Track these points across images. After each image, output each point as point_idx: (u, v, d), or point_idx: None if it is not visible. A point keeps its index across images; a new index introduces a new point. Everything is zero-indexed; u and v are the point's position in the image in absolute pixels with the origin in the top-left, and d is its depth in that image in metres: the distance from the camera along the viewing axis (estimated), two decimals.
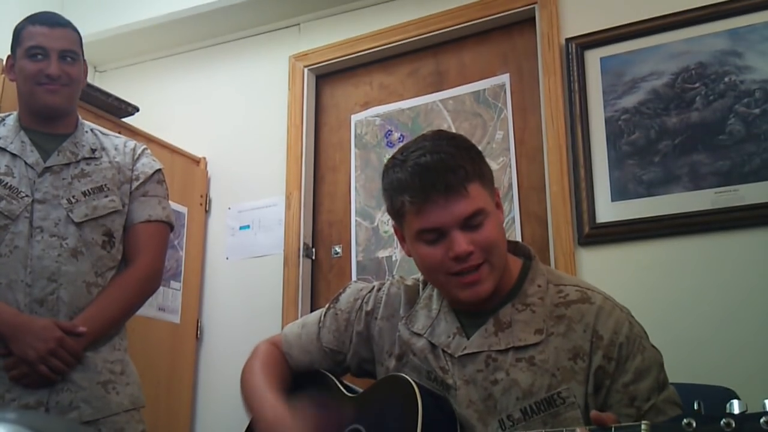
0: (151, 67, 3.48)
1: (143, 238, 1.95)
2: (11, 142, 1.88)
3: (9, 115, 1.96)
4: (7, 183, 1.82)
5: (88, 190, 1.89)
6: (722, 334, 2.12)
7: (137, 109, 2.89)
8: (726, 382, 1.51)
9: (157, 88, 3.39)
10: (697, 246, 2.23)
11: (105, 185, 1.91)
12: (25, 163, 1.86)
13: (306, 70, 3.10)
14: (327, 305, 1.50)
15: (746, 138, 2.22)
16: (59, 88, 1.88)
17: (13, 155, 1.86)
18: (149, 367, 2.73)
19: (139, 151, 2.03)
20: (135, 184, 1.97)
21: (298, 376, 1.49)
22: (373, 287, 1.47)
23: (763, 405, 0.89)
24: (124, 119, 2.86)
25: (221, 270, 3.07)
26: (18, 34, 1.92)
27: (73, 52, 1.91)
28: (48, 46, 1.87)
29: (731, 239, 2.18)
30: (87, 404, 1.76)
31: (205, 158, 3.20)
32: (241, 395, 1.44)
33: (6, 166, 1.84)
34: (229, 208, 3.12)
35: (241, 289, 3.00)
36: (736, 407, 0.91)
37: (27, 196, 1.83)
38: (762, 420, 0.88)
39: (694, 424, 0.92)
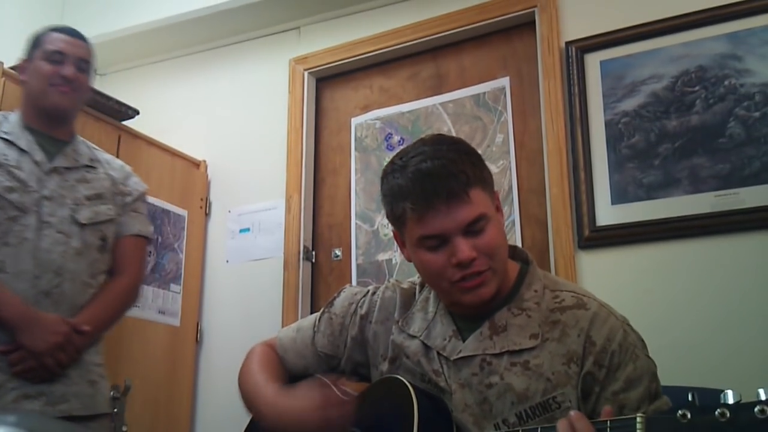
0: (151, 70, 3.48)
1: (133, 251, 2.10)
2: (18, 138, 1.96)
3: (10, 113, 2.04)
4: (17, 176, 1.90)
5: (90, 195, 2.00)
6: (721, 337, 2.12)
7: (137, 112, 2.90)
8: (725, 385, 1.48)
9: (158, 92, 3.40)
10: (696, 249, 2.22)
11: (103, 194, 2.04)
12: (32, 159, 1.94)
13: (306, 73, 3.11)
14: (322, 309, 1.50)
15: (746, 141, 2.22)
16: (69, 91, 1.99)
17: (21, 150, 1.95)
18: (149, 369, 2.74)
19: (128, 169, 2.19)
20: (128, 198, 2.12)
21: (293, 380, 1.48)
22: (368, 291, 1.47)
23: (757, 394, 0.89)
24: (124, 122, 2.86)
25: (221, 273, 3.07)
26: (39, 39, 2.04)
27: (87, 62, 2.07)
28: (67, 52, 2.01)
29: (731, 242, 2.18)
30: (77, 399, 1.85)
31: (205, 161, 3.21)
32: (240, 394, 1.43)
33: (16, 159, 1.92)
34: (230, 211, 3.13)
35: (241, 292, 3.00)
36: (730, 397, 0.91)
37: (35, 191, 1.91)
38: (756, 409, 0.87)
39: (689, 415, 0.92)
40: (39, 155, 1.95)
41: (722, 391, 0.93)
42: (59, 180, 1.96)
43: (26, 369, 1.77)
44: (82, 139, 2.12)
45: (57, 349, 1.79)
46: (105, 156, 2.16)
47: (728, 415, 0.89)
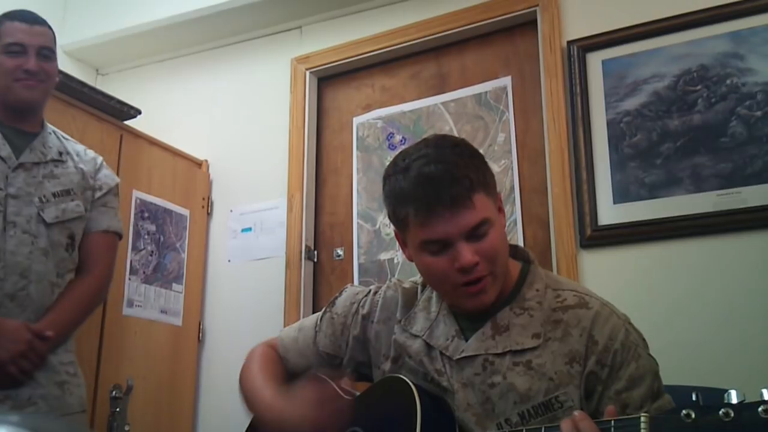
0: (153, 70, 3.49)
1: (101, 248, 2.01)
2: None
3: None
4: None
5: (57, 192, 1.92)
6: (724, 336, 2.11)
7: (139, 112, 2.90)
8: (727, 385, 1.48)
9: (160, 91, 3.40)
10: (698, 248, 2.22)
11: (72, 189, 1.95)
12: None
13: (308, 72, 3.10)
14: (324, 309, 1.50)
15: (748, 140, 2.22)
16: (36, 83, 1.91)
17: None
18: (151, 369, 2.74)
19: (99, 162, 2.09)
20: (98, 193, 2.03)
21: (294, 379, 1.48)
22: (369, 291, 1.47)
23: (761, 394, 0.89)
24: (126, 122, 2.86)
25: (223, 272, 3.07)
26: None
27: (50, 49, 1.95)
28: (27, 43, 1.90)
29: (733, 242, 2.18)
30: (44, 401, 1.79)
31: (207, 161, 3.21)
32: (241, 395, 1.43)
33: None
34: (231, 211, 3.13)
35: (243, 291, 3.00)
36: (734, 397, 0.91)
37: (1, 189, 1.83)
38: (760, 408, 0.88)
39: (693, 415, 0.92)
40: (5, 151, 1.86)
41: (725, 390, 0.93)
42: (26, 176, 1.87)
43: None
44: (52, 128, 2.03)
45: (19, 358, 1.73)
46: (76, 147, 2.06)
47: (732, 414, 0.90)
